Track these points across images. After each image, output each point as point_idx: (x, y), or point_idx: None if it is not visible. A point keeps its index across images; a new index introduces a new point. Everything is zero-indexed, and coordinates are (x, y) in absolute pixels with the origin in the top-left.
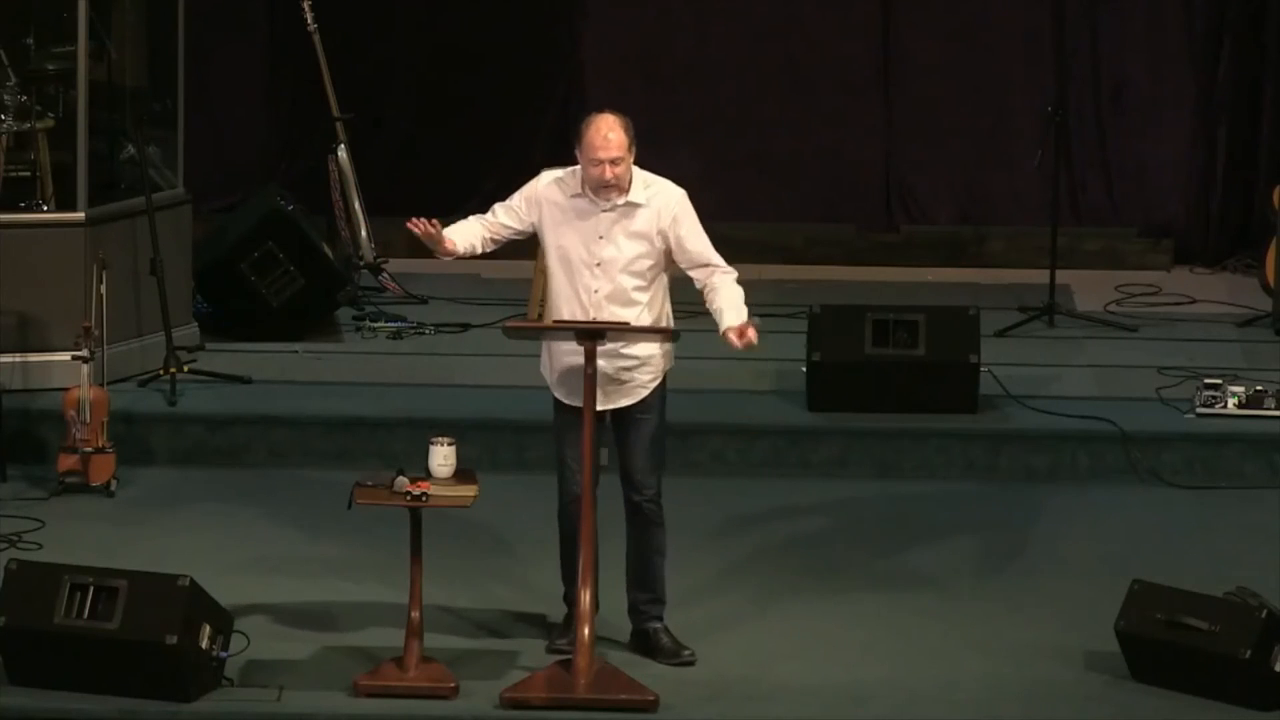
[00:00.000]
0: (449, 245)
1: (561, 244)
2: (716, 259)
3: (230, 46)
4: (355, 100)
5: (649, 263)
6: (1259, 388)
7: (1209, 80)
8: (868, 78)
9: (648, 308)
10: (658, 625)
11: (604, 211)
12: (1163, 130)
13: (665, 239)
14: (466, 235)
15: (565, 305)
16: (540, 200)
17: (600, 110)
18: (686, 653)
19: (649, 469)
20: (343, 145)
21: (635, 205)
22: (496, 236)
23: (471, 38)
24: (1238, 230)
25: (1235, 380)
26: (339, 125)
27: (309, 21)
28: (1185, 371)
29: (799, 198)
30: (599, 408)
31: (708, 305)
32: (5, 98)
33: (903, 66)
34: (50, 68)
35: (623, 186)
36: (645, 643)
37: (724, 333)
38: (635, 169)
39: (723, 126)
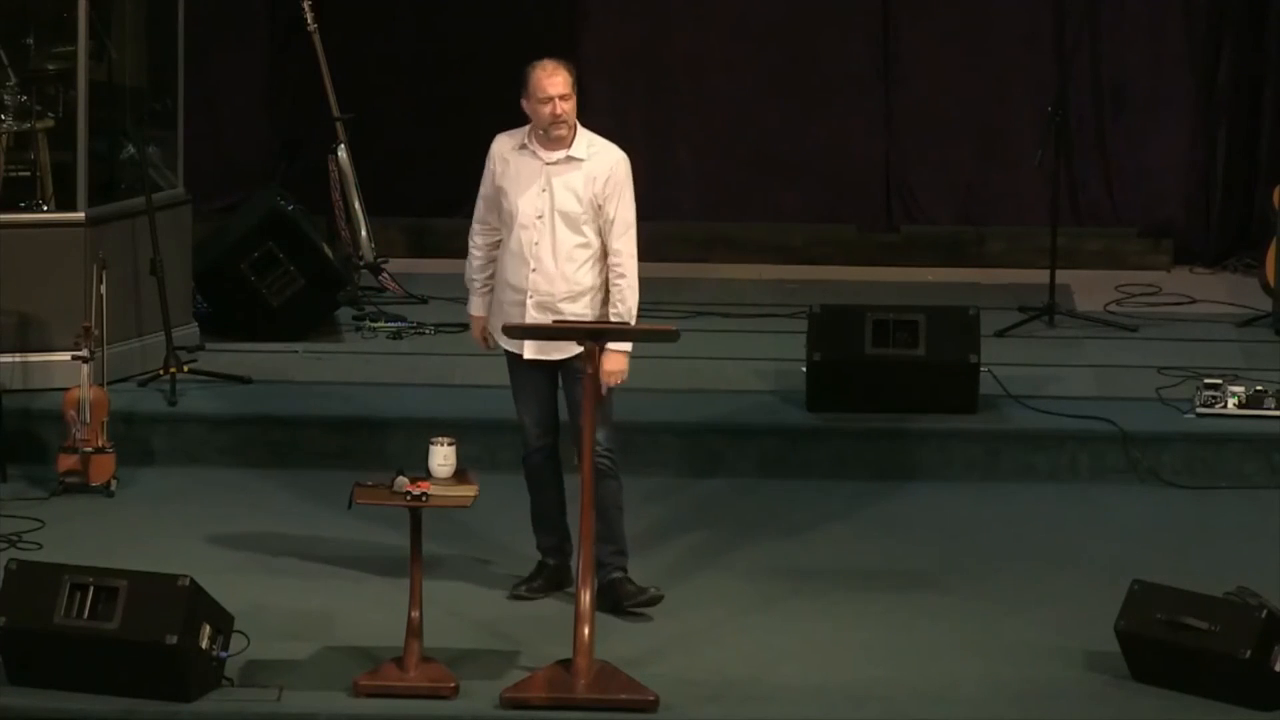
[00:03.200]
0: (487, 327)
1: (508, 195)
2: (628, 248)
3: (230, 46)
4: (355, 100)
5: (587, 219)
6: (1259, 388)
7: (1209, 80)
8: (868, 78)
9: (589, 266)
10: (620, 575)
11: (547, 164)
12: (1163, 130)
13: (600, 198)
14: (485, 274)
15: (510, 260)
16: (494, 158)
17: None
18: (652, 589)
19: (598, 422)
20: (343, 145)
21: (576, 160)
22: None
23: (471, 38)
24: (1238, 230)
25: (1235, 380)
26: (339, 125)
27: (309, 21)
28: (1185, 371)
29: (799, 198)
30: (530, 356)
31: (610, 297)
32: (5, 98)
33: (903, 66)
34: (50, 68)
35: (571, 125)
36: (612, 593)
37: (602, 359)
38: (581, 129)
39: (723, 126)
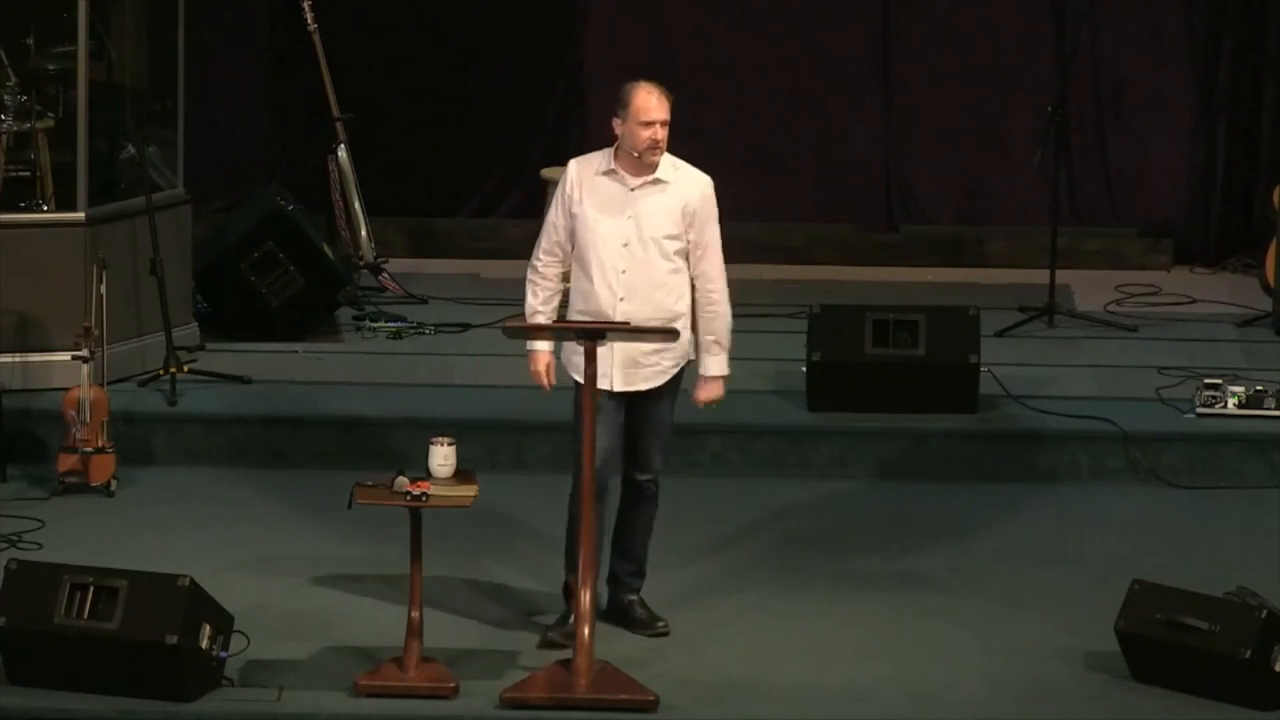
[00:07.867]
0: (550, 358)
1: (588, 223)
2: (718, 273)
3: (230, 46)
4: (355, 100)
5: (677, 245)
6: (1259, 388)
7: (1209, 80)
8: (868, 78)
9: (679, 293)
10: (634, 597)
11: (631, 190)
12: (1163, 130)
13: (688, 222)
14: (550, 306)
15: (594, 291)
16: (573, 182)
17: (641, 80)
18: (660, 624)
19: (657, 450)
20: (343, 145)
21: (662, 183)
22: (567, 260)
23: (471, 38)
24: (1238, 230)
25: (1235, 380)
26: (339, 125)
27: (309, 21)
28: (1185, 371)
29: (799, 198)
30: (619, 389)
31: (699, 325)
32: (5, 98)
33: (903, 66)
34: (50, 68)
35: (663, 152)
36: (621, 613)
37: (701, 378)
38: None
39: (722, 126)
